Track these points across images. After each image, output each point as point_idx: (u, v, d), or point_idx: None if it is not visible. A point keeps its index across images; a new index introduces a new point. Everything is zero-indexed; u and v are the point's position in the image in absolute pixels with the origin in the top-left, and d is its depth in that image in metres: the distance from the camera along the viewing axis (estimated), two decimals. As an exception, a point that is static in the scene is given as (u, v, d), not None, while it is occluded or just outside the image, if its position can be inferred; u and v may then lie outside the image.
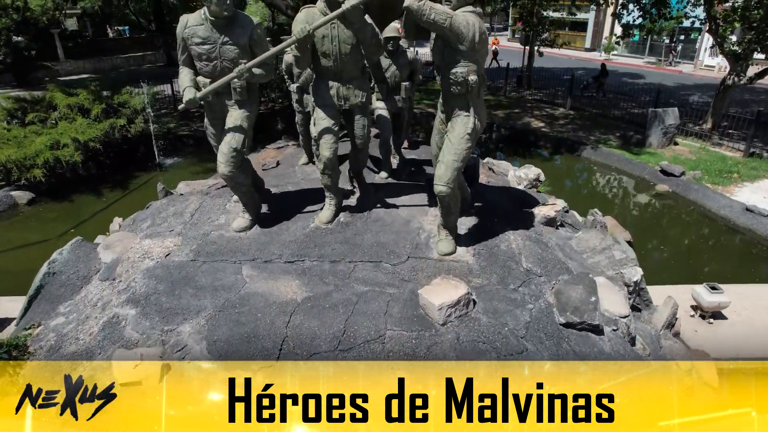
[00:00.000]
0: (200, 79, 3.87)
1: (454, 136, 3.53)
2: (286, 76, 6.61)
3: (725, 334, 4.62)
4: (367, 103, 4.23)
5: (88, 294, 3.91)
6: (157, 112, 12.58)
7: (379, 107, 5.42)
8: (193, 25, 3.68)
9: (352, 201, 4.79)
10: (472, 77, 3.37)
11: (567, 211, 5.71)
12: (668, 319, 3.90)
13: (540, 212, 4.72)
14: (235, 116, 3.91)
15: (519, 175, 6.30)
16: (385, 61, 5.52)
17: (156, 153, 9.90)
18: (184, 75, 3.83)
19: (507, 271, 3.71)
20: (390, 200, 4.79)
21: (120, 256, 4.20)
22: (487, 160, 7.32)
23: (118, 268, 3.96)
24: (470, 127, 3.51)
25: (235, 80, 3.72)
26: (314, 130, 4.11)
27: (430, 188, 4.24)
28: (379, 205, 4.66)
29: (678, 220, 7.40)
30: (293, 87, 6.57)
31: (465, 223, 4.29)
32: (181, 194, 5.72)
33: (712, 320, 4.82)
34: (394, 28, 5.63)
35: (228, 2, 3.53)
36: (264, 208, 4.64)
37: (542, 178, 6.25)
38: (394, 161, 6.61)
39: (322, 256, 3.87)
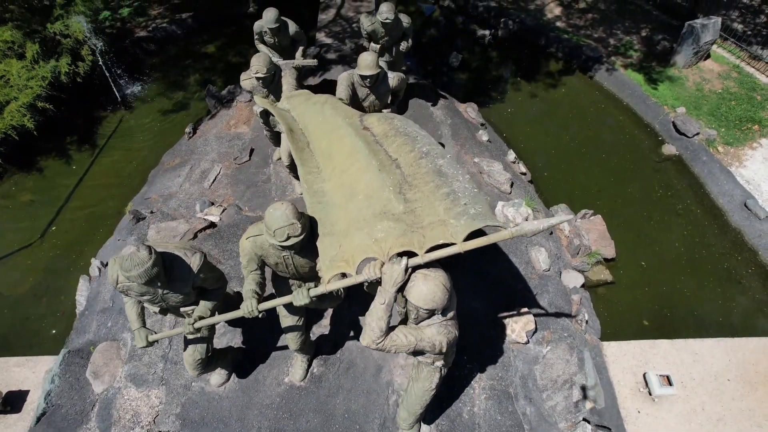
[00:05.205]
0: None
1: (419, 387, 3.45)
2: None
3: (664, 419, 5.19)
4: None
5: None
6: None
7: None
8: (125, 282, 3.17)
9: (326, 323, 4.81)
10: (438, 363, 3.14)
11: (552, 233, 5.63)
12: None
13: (512, 333, 4.77)
14: (194, 327, 3.70)
15: (506, 213, 5.93)
16: (362, 91, 4.83)
17: (115, 91, 8.76)
18: (130, 308, 3.47)
19: (465, 460, 4.11)
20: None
21: (110, 397, 4.55)
22: (476, 161, 6.69)
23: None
24: (435, 382, 3.40)
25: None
26: (281, 321, 3.91)
27: None
28: (352, 334, 4.70)
29: (670, 219, 7.11)
30: (257, 109, 5.72)
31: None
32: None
33: (656, 399, 5.37)
34: (372, 61, 4.67)
35: (159, 284, 2.99)
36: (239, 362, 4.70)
37: (531, 219, 5.90)
38: None
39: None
